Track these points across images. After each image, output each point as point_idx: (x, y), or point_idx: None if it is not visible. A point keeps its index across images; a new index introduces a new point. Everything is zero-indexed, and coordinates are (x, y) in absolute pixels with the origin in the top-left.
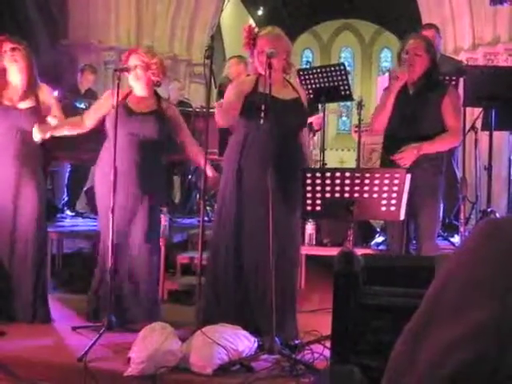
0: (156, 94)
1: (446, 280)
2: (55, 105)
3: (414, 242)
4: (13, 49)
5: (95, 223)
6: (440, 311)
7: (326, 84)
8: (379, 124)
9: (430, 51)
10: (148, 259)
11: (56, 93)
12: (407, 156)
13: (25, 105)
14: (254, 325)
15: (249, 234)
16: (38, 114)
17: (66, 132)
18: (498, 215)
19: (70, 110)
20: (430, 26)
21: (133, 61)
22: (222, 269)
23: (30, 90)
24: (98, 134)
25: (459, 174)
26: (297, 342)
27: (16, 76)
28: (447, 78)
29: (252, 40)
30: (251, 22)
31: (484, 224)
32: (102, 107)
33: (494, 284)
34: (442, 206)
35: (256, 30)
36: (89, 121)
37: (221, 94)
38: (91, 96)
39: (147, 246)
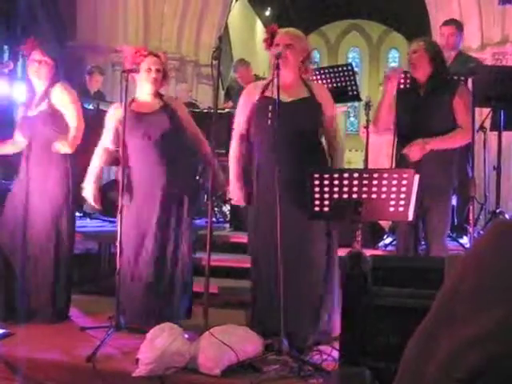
0: (159, 94)
1: (460, 280)
2: (70, 110)
3: (423, 242)
4: (40, 62)
5: (103, 224)
6: (454, 311)
7: (334, 84)
8: (382, 124)
9: (430, 51)
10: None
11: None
12: (415, 149)
13: (38, 110)
14: (269, 326)
15: (264, 235)
16: (52, 116)
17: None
18: (507, 216)
19: None
20: (450, 22)
21: (149, 63)
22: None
23: (45, 95)
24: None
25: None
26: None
27: (37, 85)
28: (455, 77)
29: (271, 38)
30: (258, 22)
31: (496, 225)
32: (110, 130)
33: (508, 283)
34: (451, 206)
35: (277, 29)
36: (113, 145)
37: (228, 96)
38: (100, 97)
39: (169, 246)
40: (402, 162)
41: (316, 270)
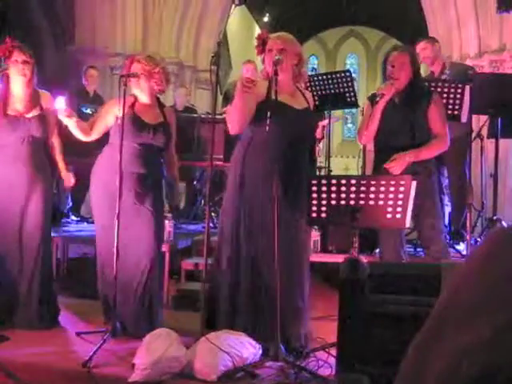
0: (159, 102)
1: (459, 287)
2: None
3: (420, 248)
4: (24, 62)
5: None
6: (453, 319)
7: (332, 91)
8: (366, 138)
9: (413, 62)
10: (147, 266)
11: (63, 99)
12: (397, 164)
13: (32, 113)
14: (259, 331)
15: (248, 241)
16: (46, 120)
17: (73, 130)
18: (504, 223)
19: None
20: (426, 39)
21: (135, 69)
22: (223, 275)
23: (35, 99)
24: (101, 139)
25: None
26: (304, 349)
27: (20, 87)
28: (453, 85)
29: (263, 44)
30: (257, 28)
31: (495, 232)
32: (106, 118)
33: (508, 292)
34: (442, 206)
35: (268, 34)
36: (95, 132)
37: (226, 101)
38: (98, 101)
39: (148, 253)
40: (380, 171)
41: (301, 272)
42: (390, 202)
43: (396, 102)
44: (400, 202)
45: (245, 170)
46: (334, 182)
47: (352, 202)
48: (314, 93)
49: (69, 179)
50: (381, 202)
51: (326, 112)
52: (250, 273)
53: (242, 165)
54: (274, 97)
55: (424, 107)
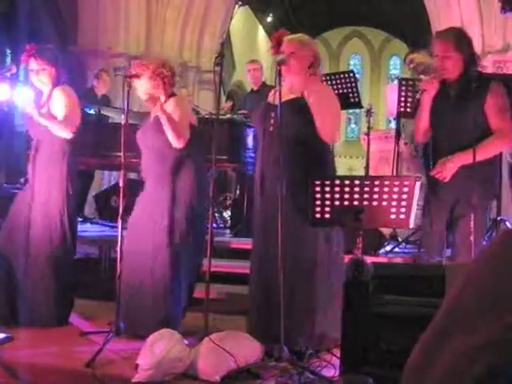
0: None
1: (465, 288)
2: (61, 112)
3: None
4: (39, 71)
5: (103, 229)
6: (459, 319)
7: (335, 91)
8: (422, 137)
9: (460, 48)
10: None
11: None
12: (445, 169)
13: (41, 111)
14: (263, 332)
15: (267, 239)
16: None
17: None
18: (508, 224)
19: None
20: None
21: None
22: (253, 277)
23: (48, 98)
24: (106, 140)
25: None
26: (310, 350)
27: (44, 93)
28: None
29: (278, 45)
30: (260, 29)
31: (503, 234)
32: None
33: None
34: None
35: (282, 35)
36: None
37: (230, 100)
38: (106, 102)
39: (161, 253)
40: (432, 184)
41: (312, 275)
42: (394, 203)
43: (450, 94)
44: (404, 203)
45: (262, 173)
46: (337, 182)
47: (356, 203)
48: None
49: None
50: (384, 203)
51: None
52: (259, 273)
53: (261, 167)
54: (277, 98)
55: (480, 100)
